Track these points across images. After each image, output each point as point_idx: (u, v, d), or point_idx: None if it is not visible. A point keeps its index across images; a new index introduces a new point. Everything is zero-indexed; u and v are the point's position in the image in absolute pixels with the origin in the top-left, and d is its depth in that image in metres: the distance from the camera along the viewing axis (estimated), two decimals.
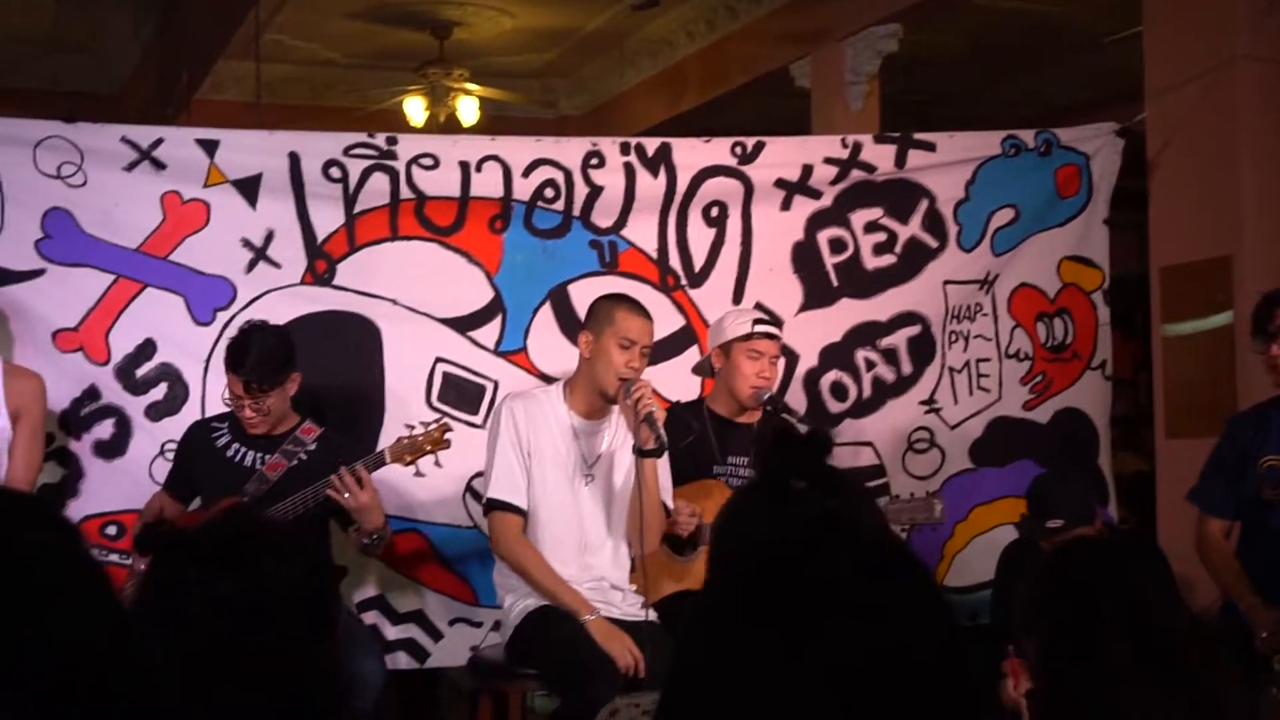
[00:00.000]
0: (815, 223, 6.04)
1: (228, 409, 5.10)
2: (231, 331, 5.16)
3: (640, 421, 4.78)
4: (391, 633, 5.59)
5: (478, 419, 5.56)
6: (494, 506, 4.89)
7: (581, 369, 4.97)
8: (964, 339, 6.15)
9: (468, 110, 10.38)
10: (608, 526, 4.93)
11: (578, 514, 4.89)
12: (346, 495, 4.71)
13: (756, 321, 5.22)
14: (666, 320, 5.83)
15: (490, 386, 5.64)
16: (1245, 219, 5.87)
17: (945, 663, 1.39)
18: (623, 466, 4.92)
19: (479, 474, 5.36)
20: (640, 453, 4.79)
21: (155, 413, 5.45)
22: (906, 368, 6.10)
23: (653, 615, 4.64)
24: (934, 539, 5.95)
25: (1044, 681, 2.34)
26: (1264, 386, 5.21)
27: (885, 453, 6.04)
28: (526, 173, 5.75)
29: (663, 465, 4.90)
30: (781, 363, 5.52)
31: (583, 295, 5.60)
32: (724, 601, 1.45)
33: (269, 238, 5.55)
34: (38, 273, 5.36)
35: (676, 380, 5.71)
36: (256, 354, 4.90)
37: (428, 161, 5.68)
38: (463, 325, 5.71)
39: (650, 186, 5.87)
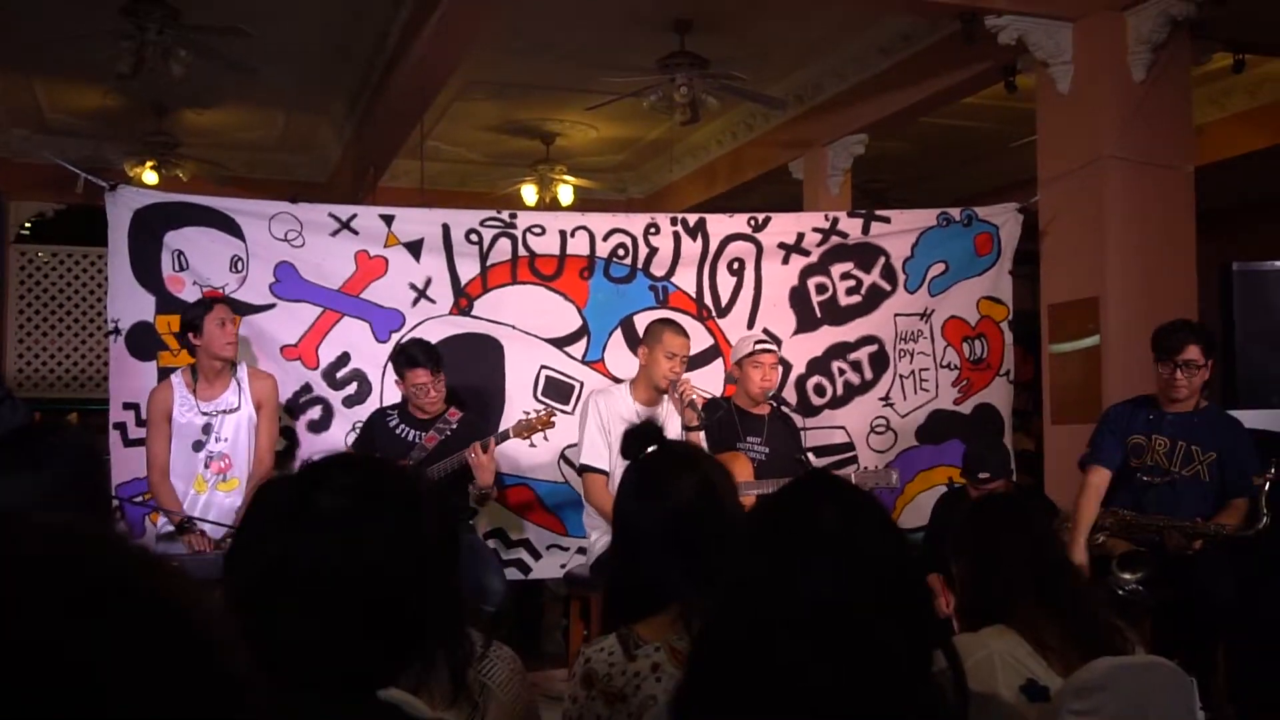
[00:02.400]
0: (806, 273, 6.01)
1: (398, 402, 5.12)
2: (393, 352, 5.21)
3: (685, 406, 4.80)
4: (507, 555, 5.61)
5: (569, 408, 5.57)
6: (586, 470, 4.90)
7: (640, 372, 4.98)
8: (910, 355, 6.10)
9: (565, 195, 10.40)
10: None
11: None
12: (473, 457, 4.74)
13: (758, 343, 5.23)
14: (701, 340, 5.83)
15: (578, 386, 5.65)
16: (1108, 271, 5.81)
17: (904, 575, 1.39)
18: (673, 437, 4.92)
19: (570, 445, 5.37)
20: (687, 429, 4.81)
21: (349, 402, 5.48)
22: (869, 374, 6.06)
23: None
24: (890, 497, 5.91)
25: (965, 595, 2.32)
26: (1123, 389, 5.15)
27: (854, 434, 6.00)
28: (605, 238, 5.76)
29: (702, 439, 4.89)
30: (779, 370, 5.50)
31: (644, 323, 5.60)
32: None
33: (428, 283, 5.58)
34: (270, 306, 5.42)
35: (707, 382, 5.71)
36: (424, 349, 4.96)
37: (538, 230, 5.69)
38: (560, 343, 5.72)
39: (691, 248, 5.86)
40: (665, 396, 4.96)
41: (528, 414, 4.98)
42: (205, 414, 4.85)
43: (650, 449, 2.20)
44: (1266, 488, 4.33)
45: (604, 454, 4.86)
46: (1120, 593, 4.30)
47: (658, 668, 1.92)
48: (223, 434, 4.86)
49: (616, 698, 1.96)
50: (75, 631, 0.58)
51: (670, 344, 4.91)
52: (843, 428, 5.99)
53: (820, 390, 6.00)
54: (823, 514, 1.39)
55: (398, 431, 5.03)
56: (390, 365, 5.21)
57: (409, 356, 4.93)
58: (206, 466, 4.83)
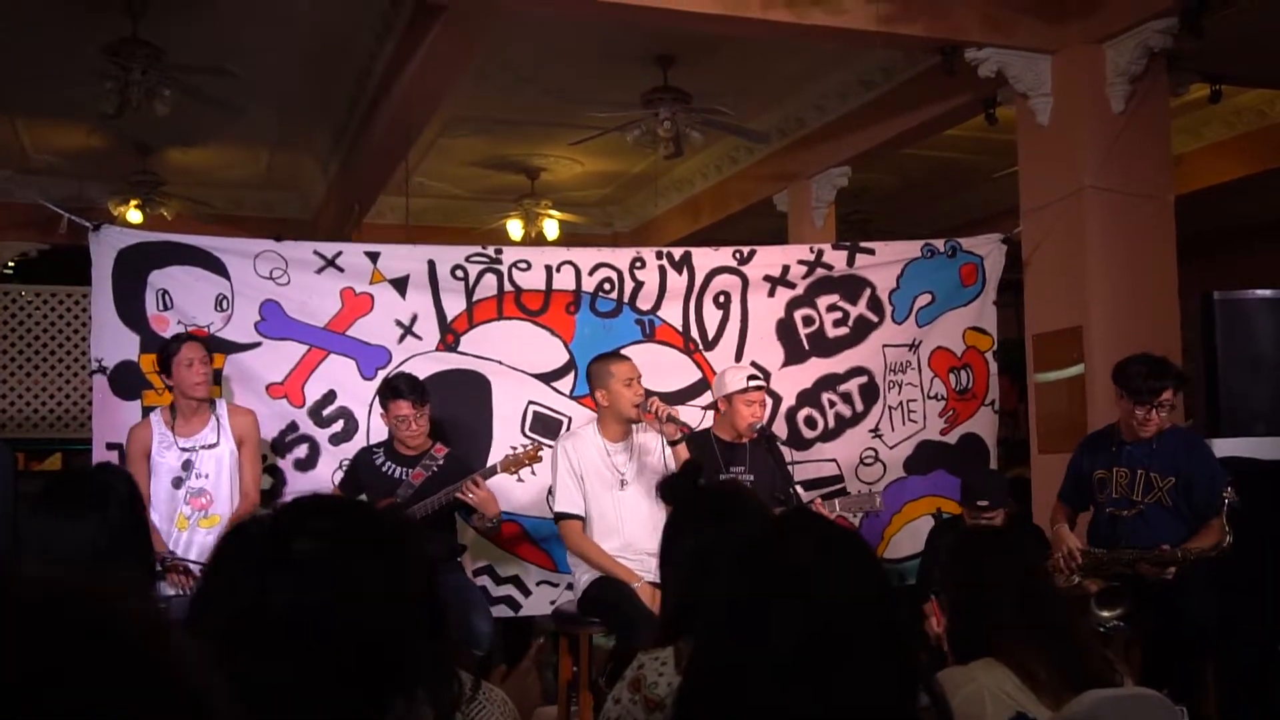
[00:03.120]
0: (792, 305, 6.02)
1: (384, 439, 5.12)
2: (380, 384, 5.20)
3: (664, 422, 4.78)
4: (496, 591, 5.58)
5: (556, 444, 5.55)
6: (561, 517, 4.89)
7: (603, 411, 4.94)
8: (899, 385, 6.10)
9: (551, 229, 10.43)
10: (646, 510, 4.82)
11: (617, 509, 4.86)
12: (471, 495, 4.73)
13: (750, 378, 5.16)
14: (687, 374, 5.84)
15: (566, 421, 5.64)
16: (1091, 301, 5.86)
17: (883, 612, 1.39)
18: (646, 466, 4.89)
19: None
20: (672, 443, 4.81)
21: (335, 440, 5.47)
22: (859, 406, 6.05)
23: None
24: (877, 526, 5.91)
25: (953, 621, 2.33)
26: (1105, 418, 5.18)
27: (844, 466, 5.99)
28: (591, 272, 5.77)
29: (683, 451, 4.87)
30: (769, 404, 5.49)
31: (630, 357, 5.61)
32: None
33: (414, 319, 5.58)
34: (256, 345, 5.41)
35: (692, 416, 5.70)
36: (409, 382, 4.95)
37: (523, 265, 5.70)
38: (547, 378, 5.71)
39: (677, 281, 5.87)
40: (634, 429, 4.95)
41: (515, 449, 4.97)
42: (184, 450, 4.85)
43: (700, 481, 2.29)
44: (1225, 507, 4.37)
45: (578, 500, 4.85)
46: (1102, 630, 4.31)
47: None
48: (202, 470, 4.86)
49: (656, 706, 2.00)
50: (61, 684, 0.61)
51: (621, 372, 4.89)
52: (833, 460, 5.98)
53: (811, 423, 6.00)
54: (798, 551, 1.39)
55: (384, 469, 5.01)
56: (376, 399, 5.21)
57: (393, 388, 4.94)
58: (187, 503, 4.82)
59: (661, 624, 2.24)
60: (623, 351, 5.61)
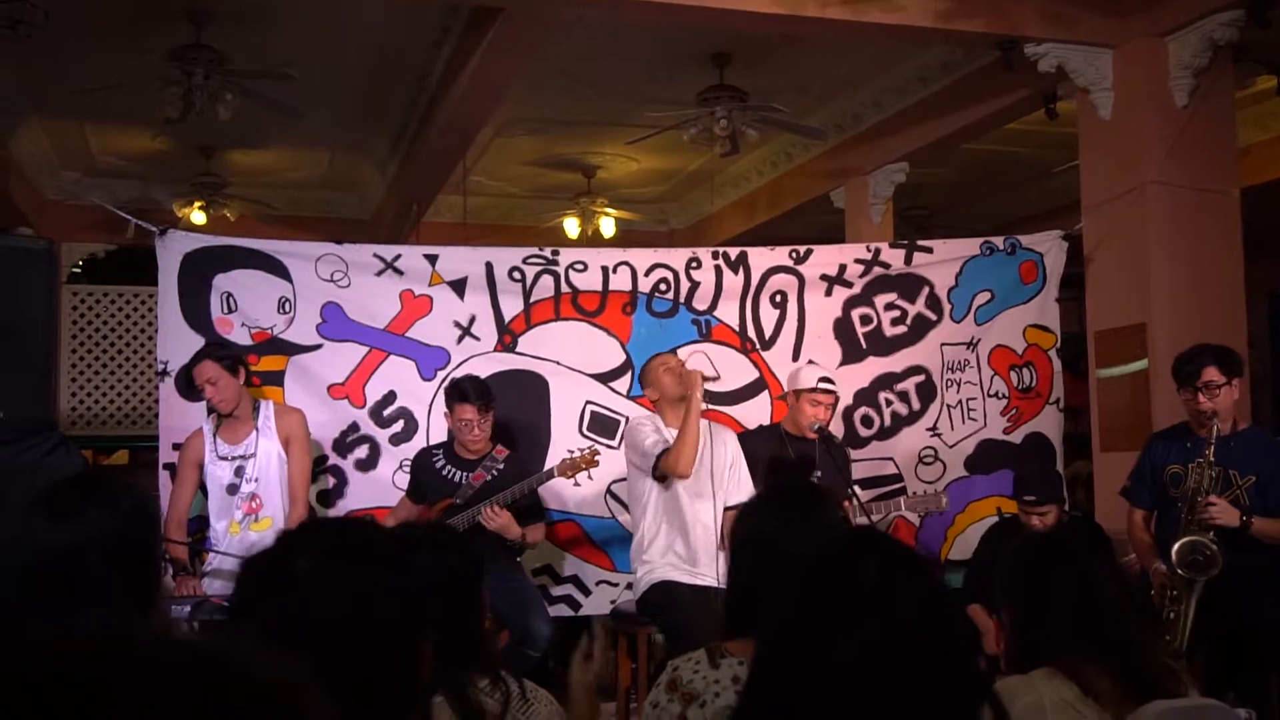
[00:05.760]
0: (849, 304, 6.00)
1: (445, 440, 5.17)
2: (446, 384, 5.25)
3: (700, 379, 4.71)
4: (556, 590, 5.62)
5: (615, 443, 5.55)
6: (659, 457, 4.70)
7: (659, 406, 4.88)
8: (957, 384, 6.06)
9: (607, 227, 10.44)
10: (708, 492, 4.78)
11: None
12: (492, 523, 4.76)
13: (821, 379, 5.12)
14: (745, 373, 5.84)
15: (623, 421, 5.64)
16: (1154, 297, 5.77)
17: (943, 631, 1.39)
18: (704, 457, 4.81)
19: (617, 480, 5.37)
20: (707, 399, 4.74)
21: (395, 440, 5.53)
22: (916, 404, 6.02)
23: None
24: (940, 526, 5.90)
25: (1012, 640, 2.31)
26: (1171, 413, 5.11)
27: (902, 465, 5.96)
28: (648, 273, 5.79)
29: (741, 466, 4.87)
30: (835, 409, 5.45)
31: (687, 358, 5.62)
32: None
33: (472, 320, 5.63)
34: (318, 346, 5.49)
35: (751, 415, 5.71)
36: (475, 386, 4.98)
37: (580, 266, 5.73)
38: (604, 378, 5.74)
39: (733, 281, 5.87)
40: (708, 433, 4.93)
41: (572, 453, 4.98)
42: (234, 458, 4.95)
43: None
44: None
45: (666, 437, 4.74)
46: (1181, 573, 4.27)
47: (738, 680, 2.00)
48: (252, 475, 4.94)
49: (693, 698, 2.05)
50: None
51: (658, 362, 4.92)
52: (891, 459, 5.95)
53: (868, 421, 5.97)
54: (863, 569, 1.40)
55: (443, 471, 5.05)
56: (439, 398, 5.26)
57: (460, 391, 4.96)
58: (239, 508, 4.92)
59: (725, 614, 2.25)
60: (679, 352, 5.63)
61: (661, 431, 4.78)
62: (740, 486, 4.81)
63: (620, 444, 5.41)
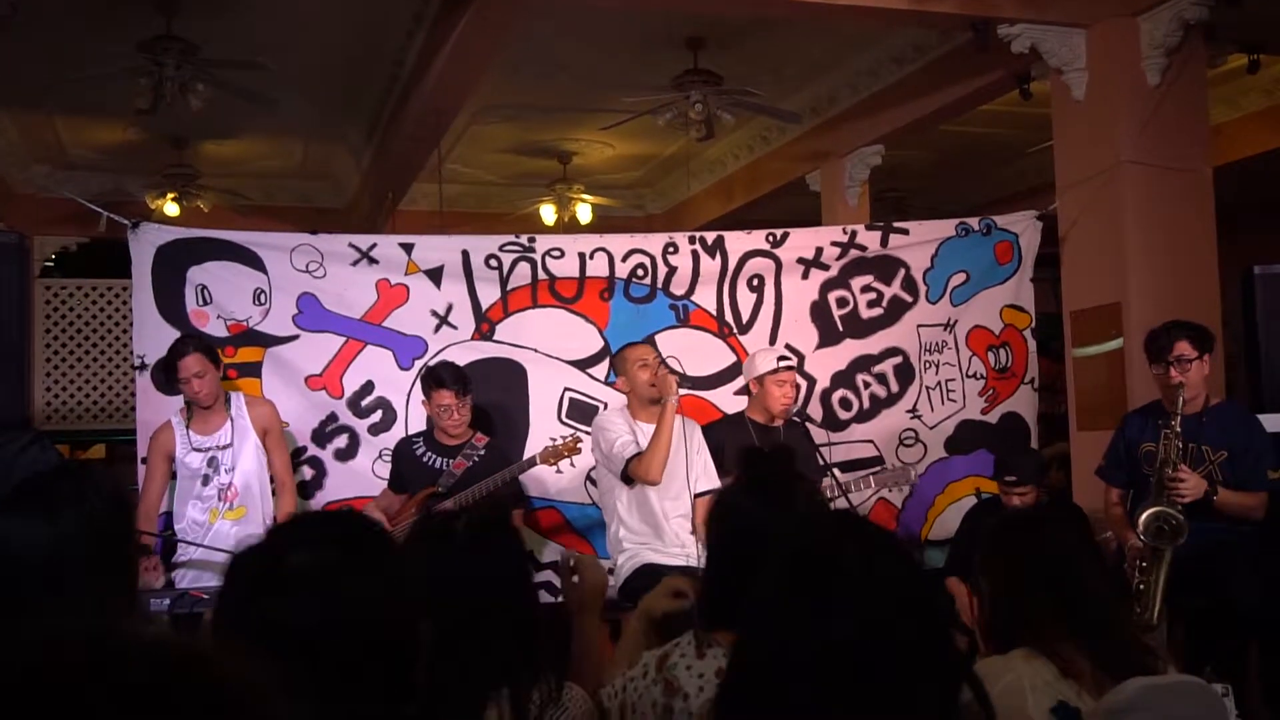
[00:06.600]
0: (826, 287, 6.01)
1: (425, 428, 5.16)
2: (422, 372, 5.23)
3: (668, 376, 4.79)
4: (537, 577, 5.61)
5: (595, 421, 5.55)
6: (629, 461, 4.75)
7: (629, 398, 4.94)
8: (935, 365, 6.08)
9: (583, 213, 10.43)
10: (681, 489, 4.82)
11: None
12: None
13: (780, 359, 5.18)
14: (722, 358, 5.85)
15: (602, 407, 5.62)
16: (1129, 276, 5.81)
17: (924, 614, 1.39)
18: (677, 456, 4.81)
19: (596, 467, 5.38)
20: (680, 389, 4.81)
21: (374, 430, 5.52)
22: (895, 387, 6.04)
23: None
24: (920, 507, 5.93)
25: (989, 611, 2.33)
26: (1147, 392, 5.14)
27: (882, 447, 5.98)
28: (624, 258, 5.78)
29: (705, 453, 4.90)
30: (803, 385, 5.49)
31: (665, 343, 5.63)
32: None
33: (449, 309, 5.61)
34: (294, 337, 5.46)
35: (728, 400, 5.71)
36: (451, 371, 4.98)
37: (556, 253, 5.72)
38: (582, 365, 5.73)
39: (710, 265, 5.87)
40: (682, 429, 4.93)
41: (554, 440, 4.99)
42: (206, 449, 4.94)
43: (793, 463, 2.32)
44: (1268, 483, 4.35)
45: (639, 441, 4.76)
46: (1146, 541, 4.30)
47: (721, 674, 1.98)
48: (229, 465, 4.94)
49: (675, 690, 2.01)
50: None
51: (636, 355, 4.93)
52: (871, 441, 5.97)
53: (846, 404, 5.99)
54: (841, 552, 1.40)
55: (424, 459, 5.05)
56: (417, 387, 5.26)
57: (436, 378, 4.98)
58: (217, 498, 4.91)
59: (705, 606, 2.22)
60: (657, 337, 5.63)
61: (631, 429, 4.81)
62: (706, 473, 4.87)
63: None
